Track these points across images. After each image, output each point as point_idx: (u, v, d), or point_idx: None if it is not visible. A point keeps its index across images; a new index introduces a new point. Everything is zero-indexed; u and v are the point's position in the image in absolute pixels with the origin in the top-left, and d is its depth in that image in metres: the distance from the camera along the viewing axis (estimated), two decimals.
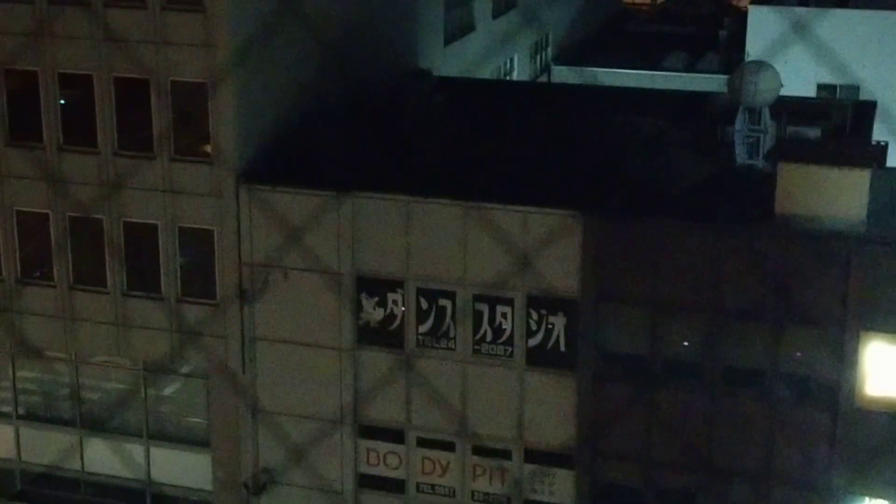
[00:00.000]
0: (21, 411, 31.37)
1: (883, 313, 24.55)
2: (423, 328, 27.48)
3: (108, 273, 29.28)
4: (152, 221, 28.68)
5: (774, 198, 25.32)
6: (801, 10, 42.88)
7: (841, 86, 42.14)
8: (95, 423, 30.81)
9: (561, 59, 51.47)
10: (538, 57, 50.11)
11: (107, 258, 29.20)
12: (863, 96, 39.79)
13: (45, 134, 28.95)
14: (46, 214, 29.37)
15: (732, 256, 25.07)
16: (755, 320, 25.23)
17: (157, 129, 28.12)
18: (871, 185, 24.84)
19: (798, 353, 25.33)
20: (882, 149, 26.92)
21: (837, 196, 24.83)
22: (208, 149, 28.05)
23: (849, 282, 24.55)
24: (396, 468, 28.45)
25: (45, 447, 31.07)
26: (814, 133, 29.48)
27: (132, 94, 28.10)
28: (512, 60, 46.66)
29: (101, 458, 30.81)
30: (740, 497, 26.16)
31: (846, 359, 24.88)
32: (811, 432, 25.46)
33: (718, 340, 25.56)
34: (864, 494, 25.55)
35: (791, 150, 26.48)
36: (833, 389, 25.13)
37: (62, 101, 28.88)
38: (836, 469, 25.35)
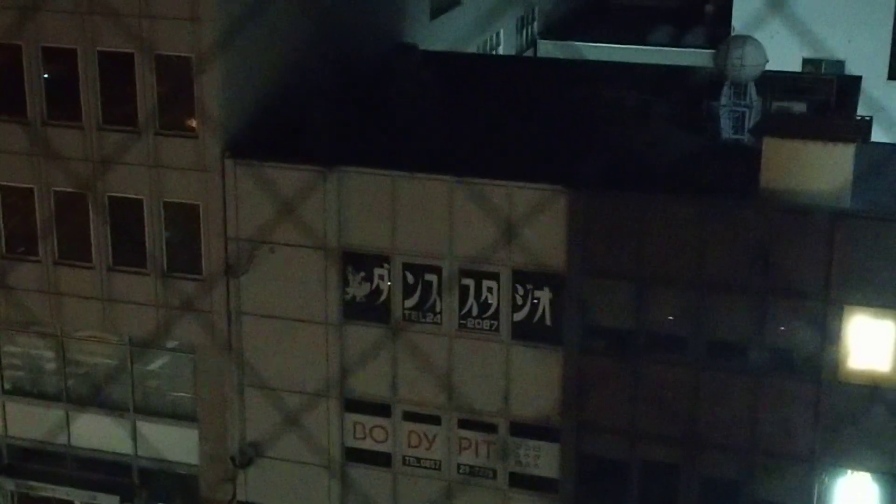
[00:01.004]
0: (7, 386, 31.38)
1: (866, 287, 24.70)
2: (410, 303, 27.55)
3: (93, 248, 29.23)
4: (138, 196, 28.61)
5: (759, 172, 25.40)
6: None
7: (826, 61, 42.18)
8: (82, 398, 30.85)
9: (547, 33, 51.35)
10: (524, 31, 49.98)
11: (92, 233, 29.14)
12: (848, 71, 39.86)
13: (29, 108, 28.81)
14: (31, 189, 29.28)
15: (717, 230, 25.17)
16: (739, 294, 25.36)
17: (143, 103, 28.02)
18: (855, 159, 24.93)
19: (781, 327, 25.48)
20: (866, 123, 27.00)
21: (822, 170, 24.92)
22: (194, 123, 27.96)
23: (832, 256, 24.69)
24: (383, 441, 28.57)
25: (32, 422, 31.10)
26: (799, 108, 29.54)
27: (117, 69, 27.97)
28: (498, 35, 46.53)
29: (88, 432, 30.87)
30: (724, 469, 26.36)
31: (829, 332, 25.04)
32: (794, 405, 25.65)
33: (703, 314, 25.69)
34: (845, 467, 25.76)
35: (776, 125, 26.55)
36: (816, 363, 25.30)
37: (46, 76, 28.73)
38: (818, 442, 25.56)
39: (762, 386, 25.67)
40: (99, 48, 28.01)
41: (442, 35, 39.72)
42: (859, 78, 32.92)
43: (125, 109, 28.17)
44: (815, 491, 25.85)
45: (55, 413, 30.96)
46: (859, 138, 25.53)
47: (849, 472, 25.81)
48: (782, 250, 24.92)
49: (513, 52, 48.04)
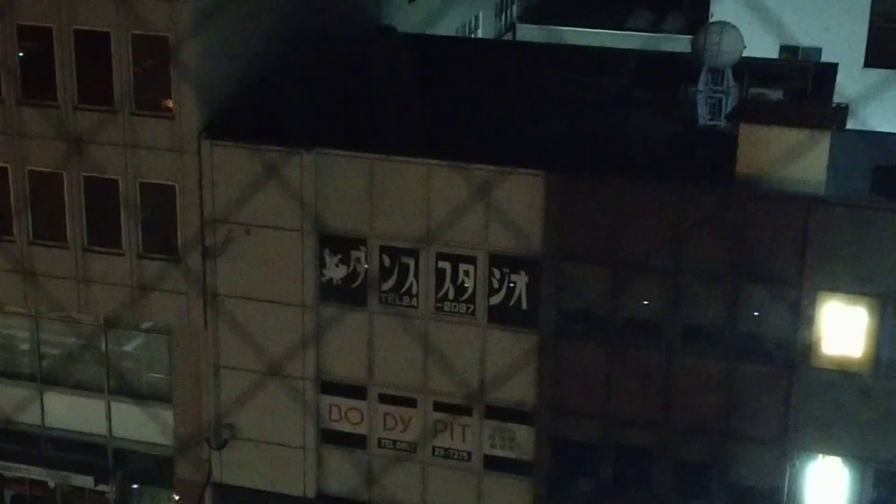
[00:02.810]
0: None
1: (840, 274, 24.87)
2: (386, 285, 27.56)
3: (68, 228, 29.09)
4: (113, 176, 28.47)
5: (736, 158, 25.50)
6: None
7: (803, 48, 42.32)
8: (56, 379, 30.74)
9: (526, 17, 51.34)
10: (503, 15, 49.94)
11: (67, 213, 28.98)
12: (825, 58, 40.00)
13: (2, 88, 28.59)
14: (5, 168, 29.08)
15: (693, 216, 25.26)
16: (714, 280, 25.49)
17: (119, 83, 27.86)
18: (831, 146, 25.05)
19: (755, 313, 25.63)
20: (842, 111, 27.09)
21: (798, 157, 25.03)
22: (170, 104, 27.83)
23: (807, 242, 24.83)
24: (358, 424, 28.61)
25: (5, 402, 30.96)
26: (776, 94, 29.63)
27: (93, 48, 27.79)
28: (477, 18, 46.47)
29: (62, 412, 30.78)
30: (696, 453, 26.54)
31: (803, 319, 25.21)
32: (768, 391, 25.82)
33: (678, 299, 25.81)
34: (818, 452, 25.98)
35: (752, 111, 26.62)
36: (789, 348, 25.48)
37: (21, 54, 28.51)
38: (790, 426, 25.76)
39: (735, 371, 25.84)
40: (75, 26, 27.81)
41: (421, 17, 39.63)
42: (835, 65, 33.05)
43: (101, 89, 28.00)
44: (787, 475, 26.07)
45: (29, 393, 30.83)
46: (835, 125, 25.65)
47: (820, 456, 26.03)
48: (757, 236, 25.05)
49: (492, 36, 48.00)
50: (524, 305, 26.89)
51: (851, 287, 24.90)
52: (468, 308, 27.21)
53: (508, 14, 50.54)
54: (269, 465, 29.19)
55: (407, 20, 38.24)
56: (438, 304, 27.35)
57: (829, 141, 24.98)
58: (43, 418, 31.00)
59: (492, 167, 26.20)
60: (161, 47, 27.36)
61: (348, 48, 32.68)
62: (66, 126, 28.35)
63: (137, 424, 30.25)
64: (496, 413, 27.63)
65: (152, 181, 28.32)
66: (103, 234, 28.92)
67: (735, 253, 25.18)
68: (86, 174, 28.62)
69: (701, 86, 28.84)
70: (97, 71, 27.94)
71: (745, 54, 29.36)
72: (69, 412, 30.71)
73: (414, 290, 27.40)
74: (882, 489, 26.00)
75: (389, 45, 32.26)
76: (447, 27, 42.22)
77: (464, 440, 27.97)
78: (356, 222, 27.30)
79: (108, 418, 30.50)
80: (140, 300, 28.90)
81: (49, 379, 30.76)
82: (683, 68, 30.46)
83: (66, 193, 28.85)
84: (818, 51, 41.77)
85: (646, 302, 26.30)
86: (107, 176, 28.49)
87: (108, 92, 27.97)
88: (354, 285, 27.78)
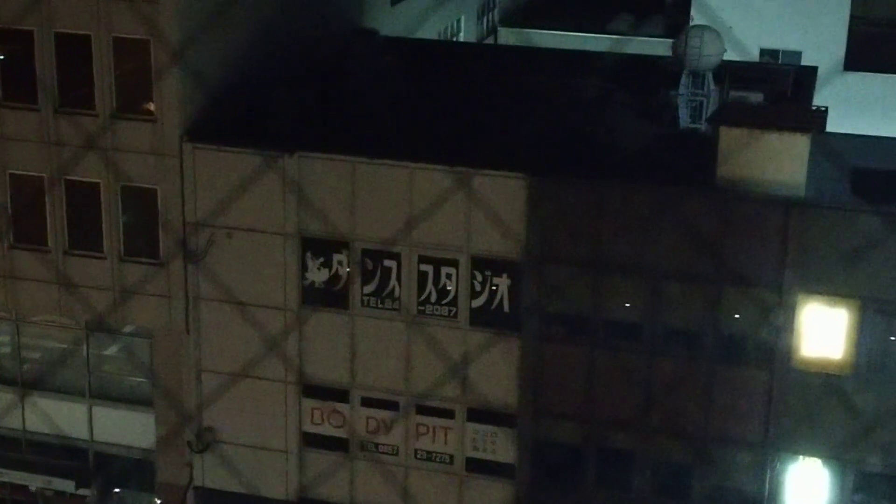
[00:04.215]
0: None
1: (820, 276, 25.00)
2: (368, 289, 27.57)
3: (49, 232, 28.99)
4: (95, 180, 28.41)
5: (716, 161, 25.61)
6: None
7: (783, 51, 42.53)
8: (37, 383, 30.63)
9: (507, 21, 51.42)
10: (485, 19, 50.01)
11: (48, 217, 28.90)
12: (804, 62, 40.23)
13: None
14: None
15: (674, 219, 25.36)
16: (695, 282, 25.60)
17: (100, 86, 27.79)
18: (810, 149, 25.19)
19: (736, 315, 25.75)
20: (822, 114, 27.25)
21: (777, 160, 25.16)
22: (152, 107, 27.79)
23: (787, 245, 24.97)
24: (340, 427, 28.61)
25: None
26: (756, 97, 29.77)
27: (74, 51, 27.73)
28: (458, 22, 46.54)
29: (43, 417, 30.65)
30: (677, 455, 26.64)
31: (784, 321, 25.32)
32: (749, 393, 25.93)
33: (659, 302, 25.91)
34: (799, 454, 26.10)
35: (732, 114, 26.76)
36: (769, 350, 25.60)
37: (1, 57, 28.43)
38: (770, 428, 25.88)
39: (716, 373, 25.94)
40: (56, 30, 27.75)
41: (402, 21, 39.68)
42: (815, 68, 33.24)
43: (82, 92, 27.94)
44: (767, 476, 26.18)
45: (10, 397, 30.70)
46: (815, 128, 25.79)
47: (801, 457, 26.15)
48: (738, 238, 25.17)
49: (473, 40, 48.08)
50: (506, 308, 26.94)
51: (831, 289, 25.04)
52: (450, 311, 27.25)
53: (490, 18, 50.62)
54: (250, 469, 29.15)
55: (389, 24, 38.29)
56: (420, 307, 27.38)
57: (808, 144, 25.13)
58: (24, 422, 30.88)
59: (474, 170, 26.25)
60: (142, 50, 27.31)
61: (330, 52, 32.71)
62: (47, 129, 28.27)
63: (119, 428, 30.18)
64: (478, 416, 27.67)
65: (134, 184, 28.27)
66: (85, 237, 28.85)
67: (716, 255, 25.30)
68: (67, 177, 28.54)
69: (682, 89, 28.98)
70: (78, 74, 27.88)
71: (725, 58, 29.51)
72: (50, 416, 30.59)
73: (396, 293, 27.43)
74: (862, 491, 26.14)
75: (372, 49, 32.34)
76: (429, 31, 42.28)
77: (446, 443, 28.00)
78: (338, 225, 27.31)
79: (90, 422, 30.41)
80: (122, 304, 28.84)
81: (30, 383, 30.64)
82: (664, 72, 30.59)
83: (47, 197, 28.76)
84: (798, 54, 41.98)
85: (627, 304, 26.39)
86: (88, 179, 28.42)
87: (90, 95, 27.92)
88: (336, 288, 27.78)
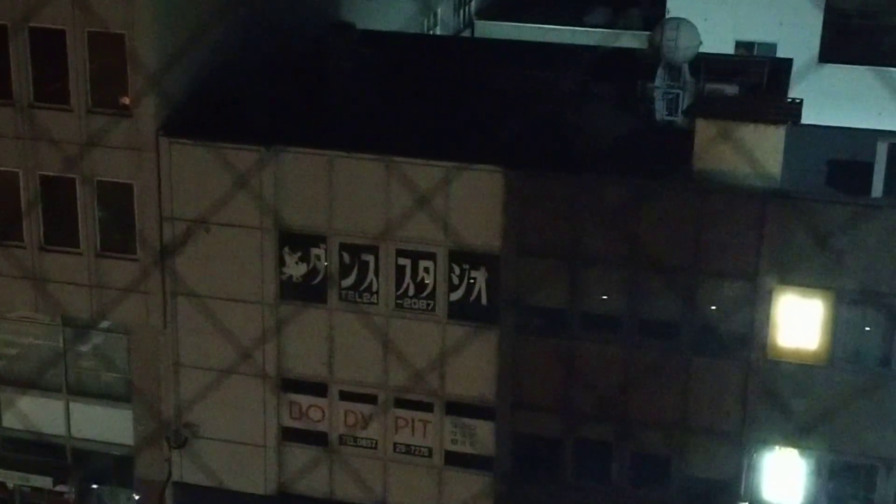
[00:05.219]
0: None
1: (796, 267, 25.15)
2: (346, 283, 27.57)
3: (24, 228, 28.84)
4: (70, 175, 28.28)
5: (692, 153, 25.72)
6: None
7: (759, 43, 42.69)
8: (14, 379, 30.48)
9: (484, 13, 51.42)
10: (461, 11, 50.00)
11: (23, 213, 28.75)
12: (780, 54, 40.38)
13: None
14: None
15: (650, 211, 25.47)
16: (672, 274, 25.70)
17: (75, 81, 27.66)
18: (786, 141, 25.33)
19: (713, 306, 25.87)
20: (797, 105, 27.38)
21: (753, 151, 25.29)
22: (128, 101, 27.68)
23: (763, 236, 25.10)
24: (319, 421, 28.61)
25: None
26: (731, 90, 29.87)
27: (49, 46, 27.58)
28: (436, 15, 46.50)
29: (20, 413, 30.52)
30: (655, 446, 26.76)
31: (760, 311, 25.47)
32: (725, 383, 26.07)
33: (636, 294, 26.01)
34: (775, 444, 26.27)
35: (708, 106, 26.86)
36: (745, 341, 25.74)
37: None
38: (747, 419, 26.03)
39: (693, 364, 26.07)
40: (30, 24, 27.58)
41: (379, 14, 39.61)
42: (790, 60, 33.38)
43: (57, 87, 27.80)
44: (744, 467, 26.34)
45: None
46: (790, 120, 25.93)
47: (777, 447, 26.32)
48: (714, 230, 25.29)
49: (450, 33, 48.06)
50: (484, 301, 26.99)
51: (807, 280, 25.20)
52: (428, 304, 27.28)
53: (467, 11, 50.61)
54: (229, 464, 29.12)
55: (365, 17, 38.21)
56: (398, 301, 27.39)
57: (784, 135, 25.26)
58: (0, 419, 30.74)
59: (451, 163, 26.26)
60: (118, 45, 27.18)
61: (307, 45, 32.63)
62: (21, 124, 28.10)
63: (97, 424, 30.08)
64: (457, 409, 27.73)
65: (110, 179, 28.14)
66: (60, 232, 28.71)
67: (692, 247, 25.40)
68: (42, 173, 28.39)
69: (658, 82, 29.06)
70: (53, 69, 27.72)
71: (701, 50, 29.60)
72: (27, 413, 30.45)
73: (374, 287, 27.43)
74: (838, 480, 26.33)
75: (348, 42, 32.26)
76: (406, 24, 42.23)
77: (424, 436, 28.04)
78: (315, 219, 27.28)
79: (67, 418, 30.30)
80: (98, 299, 28.73)
81: (6, 379, 30.50)
82: (640, 64, 30.66)
83: (22, 192, 28.61)
84: (773, 46, 42.15)
85: (604, 297, 26.46)
86: (63, 174, 28.29)
87: (65, 90, 27.78)
88: (314, 283, 27.77)
